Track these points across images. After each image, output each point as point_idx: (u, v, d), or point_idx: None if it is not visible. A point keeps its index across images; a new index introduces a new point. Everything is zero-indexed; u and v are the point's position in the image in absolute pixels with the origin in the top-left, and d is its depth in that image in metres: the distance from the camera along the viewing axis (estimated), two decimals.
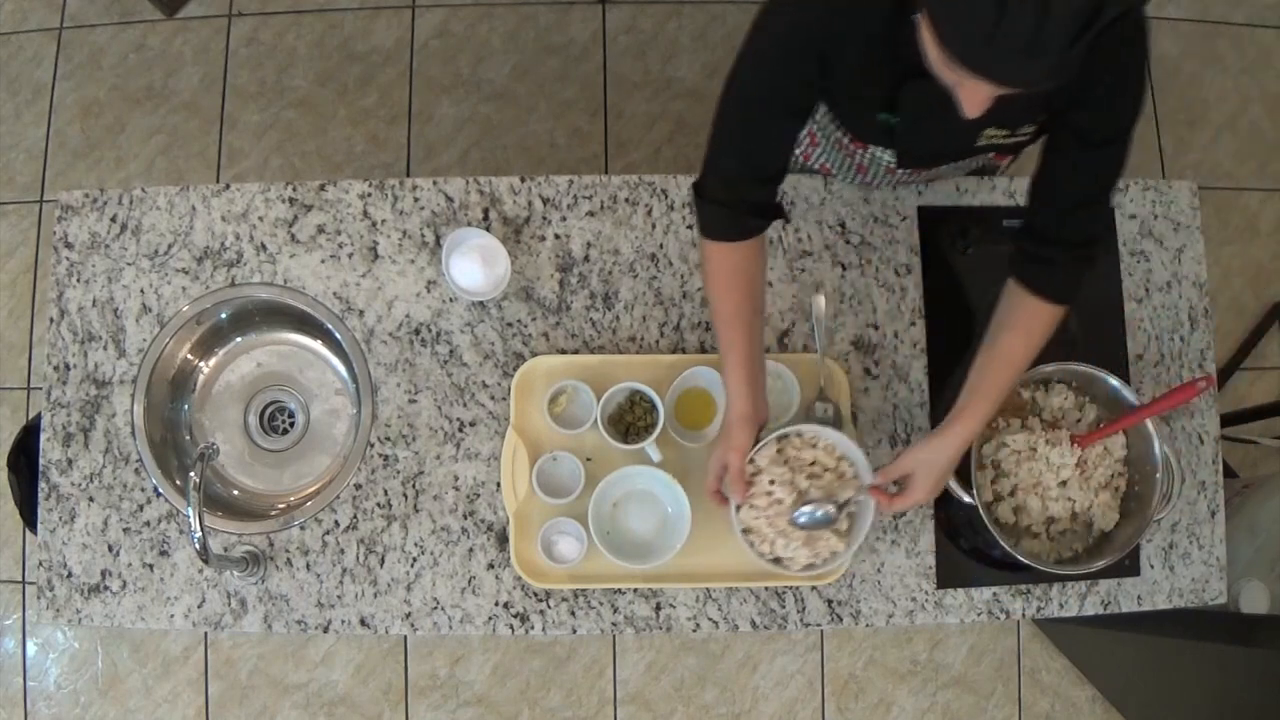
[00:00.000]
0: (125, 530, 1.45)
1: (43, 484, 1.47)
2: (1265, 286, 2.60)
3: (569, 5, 2.63)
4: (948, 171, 1.48)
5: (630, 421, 1.41)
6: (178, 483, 1.48)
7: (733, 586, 1.44)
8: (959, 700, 2.38)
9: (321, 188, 1.53)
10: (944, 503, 1.45)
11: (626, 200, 1.53)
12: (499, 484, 1.45)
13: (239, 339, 1.60)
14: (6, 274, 2.53)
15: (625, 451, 1.40)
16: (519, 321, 1.50)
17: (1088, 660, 2.29)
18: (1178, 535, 1.50)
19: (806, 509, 1.24)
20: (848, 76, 1.12)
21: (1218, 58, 2.69)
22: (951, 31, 0.84)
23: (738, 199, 1.18)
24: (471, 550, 1.44)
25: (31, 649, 2.39)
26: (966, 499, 1.32)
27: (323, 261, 1.51)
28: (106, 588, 1.44)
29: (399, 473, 1.46)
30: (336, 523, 1.45)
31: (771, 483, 1.25)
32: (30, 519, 1.55)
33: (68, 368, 1.49)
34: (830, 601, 1.45)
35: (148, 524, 1.45)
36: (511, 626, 1.43)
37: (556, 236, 1.52)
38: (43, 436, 1.48)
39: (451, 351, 1.49)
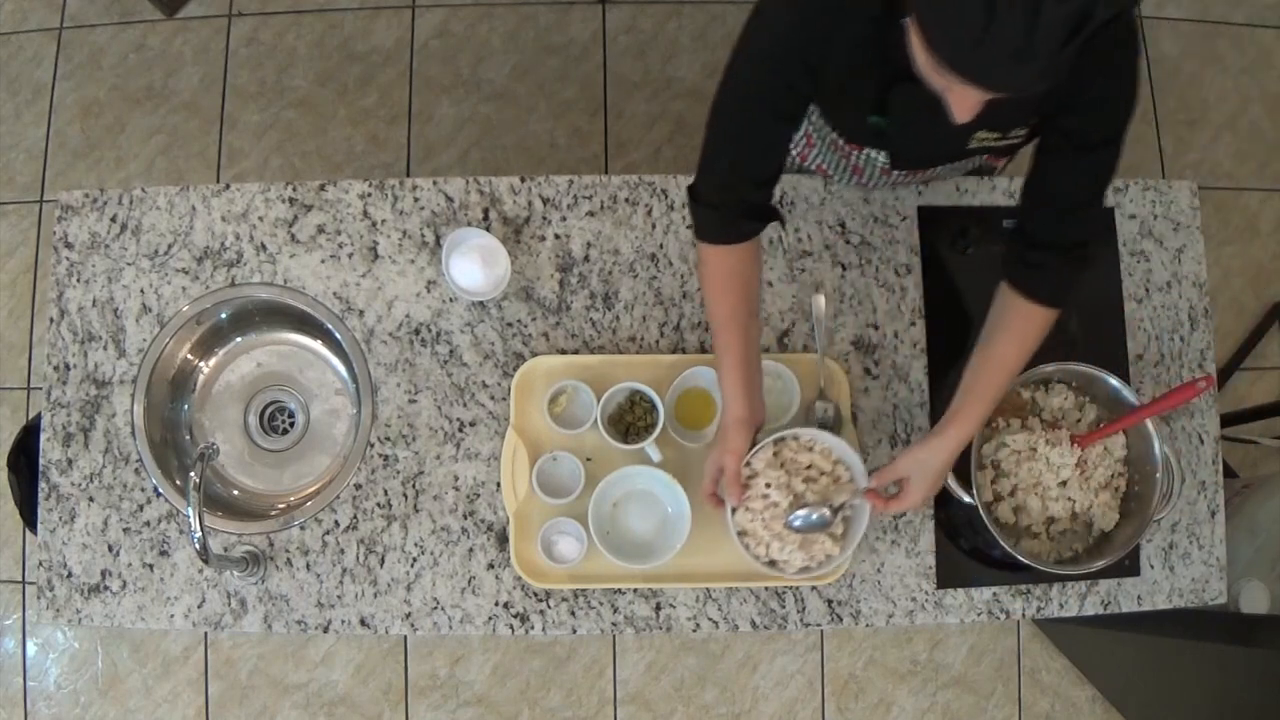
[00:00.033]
0: (125, 530, 1.45)
1: (43, 484, 1.47)
2: (1265, 286, 2.59)
3: (569, 5, 2.63)
4: (944, 172, 1.48)
5: (630, 421, 1.41)
6: (178, 483, 1.48)
7: (733, 586, 1.44)
8: (959, 700, 2.38)
9: (321, 188, 1.53)
10: (944, 503, 1.45)
11: (626, 200, 1.53)
12: (499, 484, 1.45)
13: (239, 339, 1.60)
14: (6, 274, 2.53)
15: (625, 451, 1.40)
16: (519, 321, 1.50)
17: (1088, 660, 2.29)
18: (1178, 535, 1.50)
19: (802, 512, 1.25)
20: (837, 80, 1.12)
21: (1218, 58, 2.69)
22: (940, 36, 0.84)
23: (733, 202, 1.19)
24: (471, 550, 1.44)
25: (31, 649, 2.39)
26: (966, 499, 1.32)
27: (323, 261, 1.51)
28: (106, 588, 1.44)
29: (399, 473, 1.46)
30: (336, 523, 1.45)
31: (768, 486, 1.26)
32: (30, 519, 1.55)
33: (68, 368, 1.49)
34: (830, 601, 1.45)
35: (148, 524, 1.45)
36: (511, 626, 1.43)
37: (556, 236, 1.52)
38: (43, 436, 1.48)
39: (451, 351, 1.49)
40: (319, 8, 2.62)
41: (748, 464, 1.26)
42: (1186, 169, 2.63)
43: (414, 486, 1.46)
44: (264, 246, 1.52)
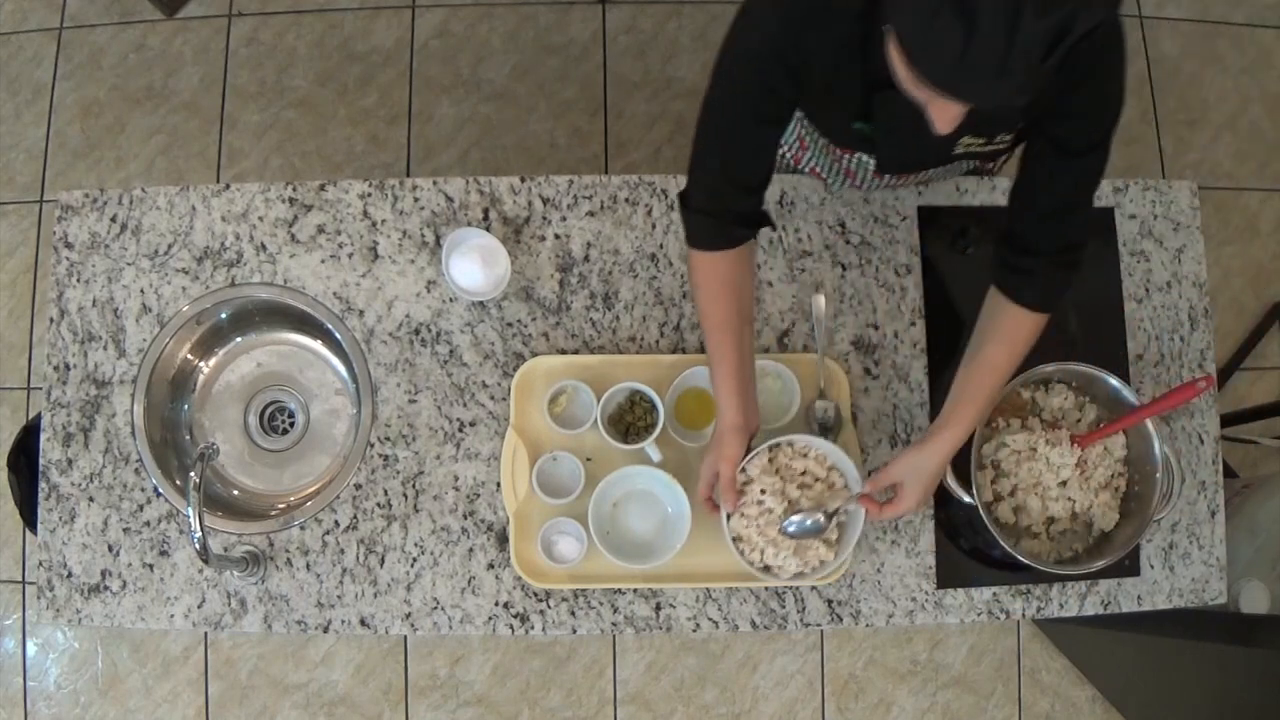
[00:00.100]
0: (125, 530, 1.45)
1: (43, 484, 1.47)
2: (1265, 286, 2.60)
3: (569, 5, 2.63)
4: (938, 174, 1.48)
5: (630, 421, 1.41)
6: (178, 483, 1.48)
7: (733, 586, 1.44)
8: (959, 700, 2.38)
9: (321, 188, 1.53)
10: (944, 503, 1.45)
11: (626, 200, 1.53)
12: (499, 484, 1.45)
13: (239, 339, 1.60)
14: (6, 274, 2.53)
15: (625, 451, 1.40)
16: (519, 321, 1.50)
17: (1088, 660, 2.29)
18: (1178, 535, 1.50)
19: (796, 518, 1.26)
20: (821, 85, 1.12)
21: (1218, 58, 2.69)
22: (920, 53, 0.83)
23: (723, 209, 1.19)
24: (471, 550, 1.44)
25: (31, 649, 2.39)
26: (966, 499, 1.32)
27: (323, 261, 1.51)
28: (106, 588, 1.44)
29: (399, 473, 1.46)
30: (336, 523, 1.45)
31: (763, 492, 1.27)
32: (30, 519, 1.55)
33: (68, 368, 1.49)
34: (830, 601, 1.45)
35: (148, 524, 1.45)
36: (511, 626, 1.43)
37: (556, 236, 1.52)
38: (43, 436, 1.48)
39: (451, 351, 1.49)
40: (319, 8, 2.62)
41: (743, 470, 1.27)
42: (1186, 169, 2.63)
43: (414, 486, 1.46)
44: (264, 246, 1.51)
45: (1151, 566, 1.49)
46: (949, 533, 1.47)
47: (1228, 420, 2.21)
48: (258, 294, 1.51)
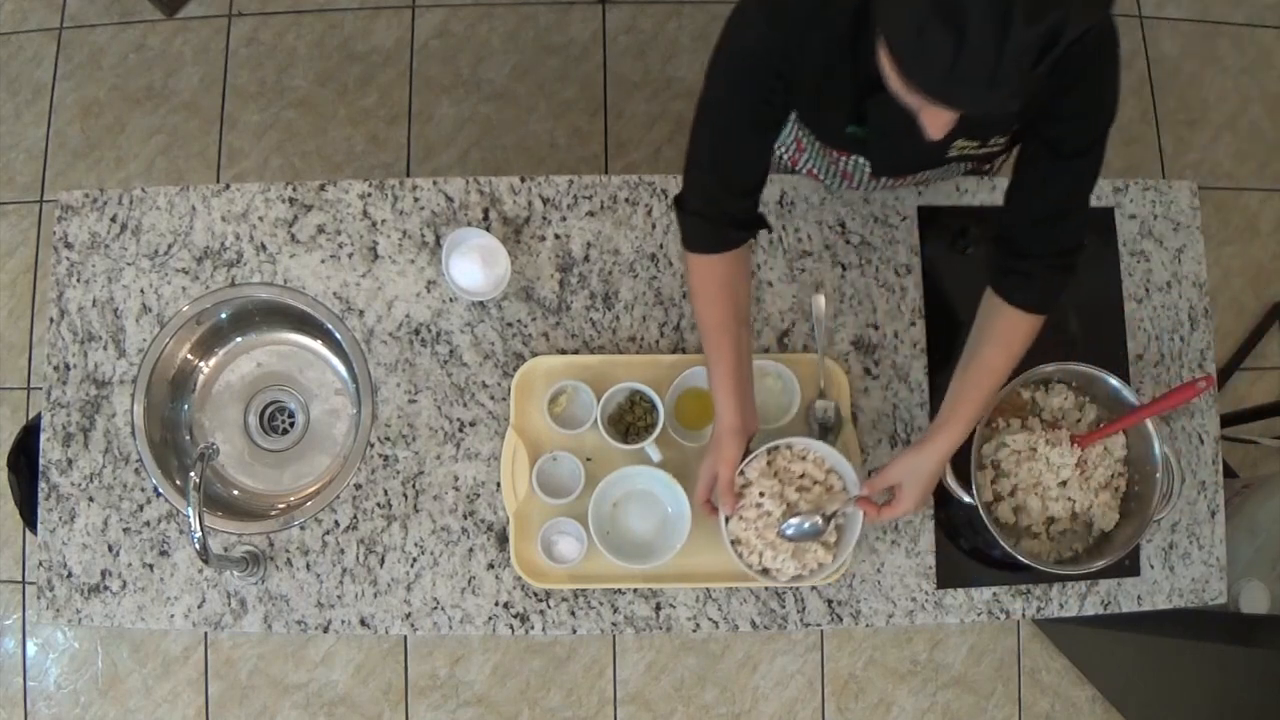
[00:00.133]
0: (125, 530, 1.45)
1: (43, 484, 1.47)
2: (1265, 286, 2.60)
3: (569, 5, 2.63)
4: (935, 175, 1.48)
5: (630, 421, 1.41)
6: (178, 483, 1.48)
7: (733, 586, 1.44)
8: (959, 700, 2.38)
9: (321, 188, 1.53)
10: (944, 503, 1.45)
11: (626, 200, 1.53)
12: (499, 484, 1.45)
13: (239, 339, 1.60)
14: (6, 274, 2.53)
15: (625, 451, 1.40)
16: (519, 321, 1.50)
17: (1088, 660, 2.29)
18: (1178, 535, 1.50)
19: (794, 521, 1.26)
20: (812, 90, 1.12)
21: (1218, 58, 2.69)
22: (911, 63, 0.83)
23: (719, 212, 1.19)
24: (471, 550, 1.44)
25: (31, 649, 2.39)
26: (966, 499, 1.32)
27: (323, 261, 1.51)
28: (106, 588, 1.44)
29: (399, 473, 1.46)
30: (336, 523, 1.45)
31: (761, 495, 1.27)
32: (30, 519, 1.55)
33: (68, 368, 1.49)
34: (830, 601, 1.45)
35: (148, 524, 1.45)
36: (511, 626, 1.43)
37: (556, 236, 1.52)
38: (43, 436, 1.48)
39: (451, 351, 1.49)
40: (319, 8, 2.62)
41: (741, 473, 1.27)
42: (1186, 169, 2.63)
43: (414, 486, 1.46)
44: (264, 246, 1.52)
45: (1151, 566, 1.49)
46: (949, 533, 1.47)
47: (1228, 420, 2.21)
48: (258, 294, 1.51)
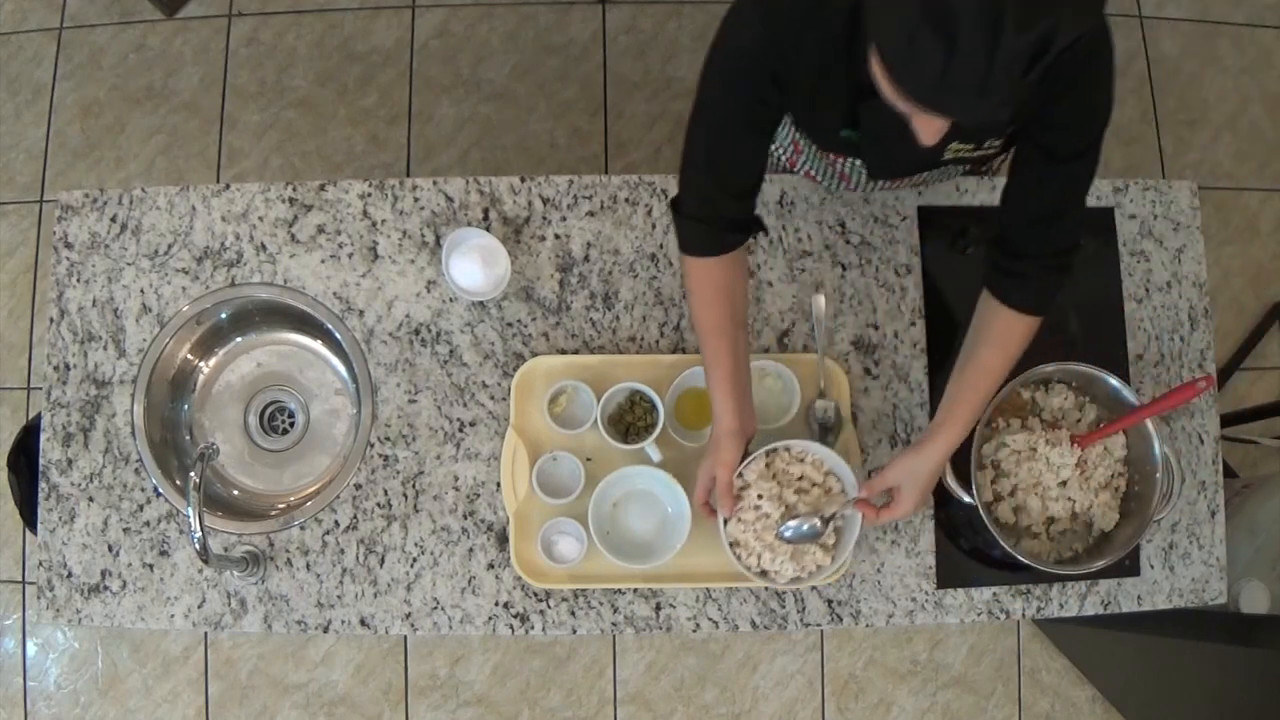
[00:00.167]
0: (125, 530, 1.45)
1: (43, 484, 1.47)
2: (1265, 286, 2.60)
3: (569, 5, 2.63)
4: (933, 177, 1.48)
5: (630, 421, 1.41)
6: (178, 483, 1.48)
7: (732, 587, 1.44)
8: (959, 700, 2.38)
9: (321, 188, 1.53)
10: (944, 503, 1.45)
11: (626, 200, 1.53)
12: (499, 484, 1.45)
13: (239, 339, 1.60)
14: (6, 274, 2.53)
15: (625, 451, 1.40)
16: (519, 321, 1.50)
17: (1088, 660, 2.29)
18: (1178, 535, 1.50)
19: (793, 523, 1.26)
20: (806, 94, 1.12)
21: (1218, 58, 2.69)
22: (902, 71, 0.83)
23: (714, 215, 1.19)
24: (471, 550, 1.44)
25: (31, 649, 2.39)
26: (966, 499, 1.32)
27: (323, 261, 1.51)
28: (106, 588, 1.44)
29: (399, 473, 1.46)
30: (336, 523, 1.45)
31: (759, 497, 1.27)
32: (30, 519, 1.55)
33: (68, 368, 1.49)
34: (830, 601, 1.45)
35: (148, 524, 1.45)
36: (511, 626, 1.43)
37: (556, 236, 1.52)
38: (43, 436, 1.48)
39: (451, 351, 1.49)
40: (319, 8, 2.62)
41: (739, 475, 1.27)
42: (1186, 169, 2.63)
43: (414, 486, 1.46)
44: (264, 246, 1.52)
45: (1151, 566, 1.49)
46: (949, 533, 1.47)
47: (1228, 420, 2.21)
48: (258, 294, 1.51)
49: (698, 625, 1.44)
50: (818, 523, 1.26)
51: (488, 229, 1.51)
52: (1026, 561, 1.31)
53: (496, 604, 1.44)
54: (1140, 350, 1.53)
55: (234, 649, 2.36)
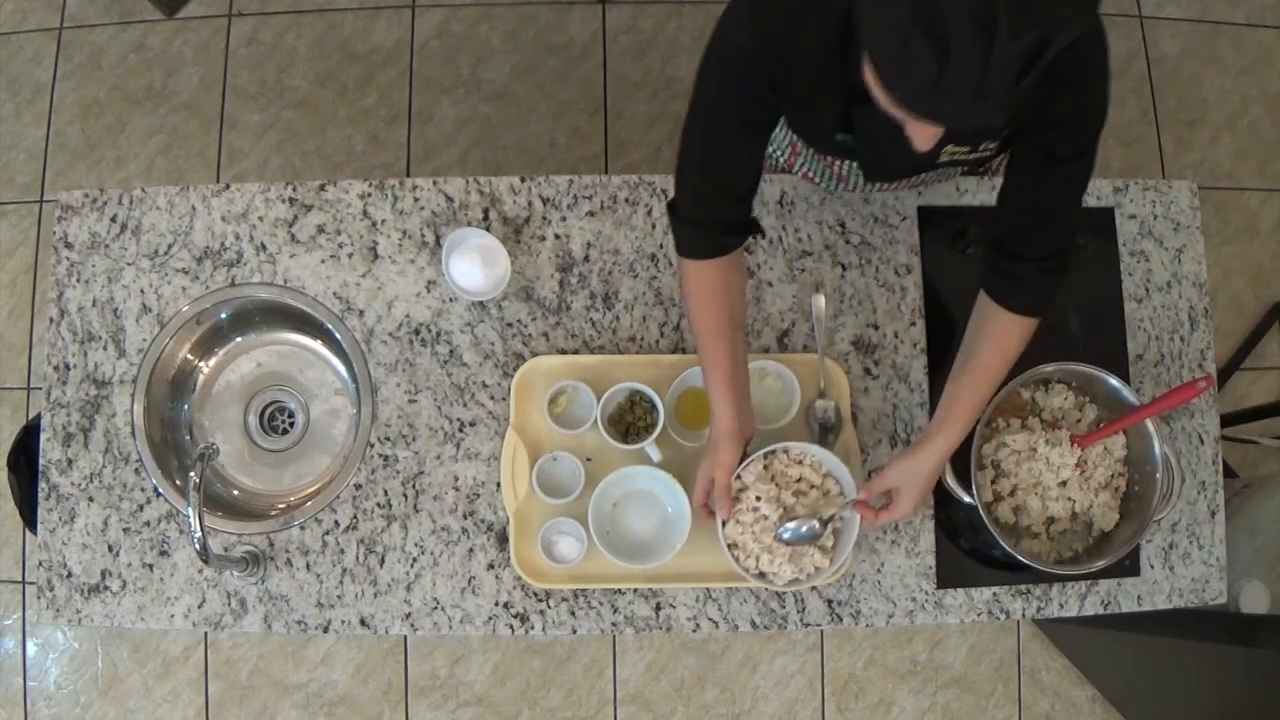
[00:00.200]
0: (125, 530, 1.45)
1: (43, 484, 1.47)
2: (1265, 286, 2.60)
3: (569, 5, 2.63)
4: (931, 178, 1.48)
5: (630, 421, 1.41)
6: (178, 483, 1.48)
7: (733, 587, 1.44)
8: (959, 700, 2.38)
9: (321, 188, 1.53)
10: (944, 503, 1.45)
11: (626, 200, 1.53)
12: (499, 484, 1.45)
13: (239, 339, 1.60)
14: (6, 274, 2.53)
15: (625, 451, 1.40)
16: (519, 321, 1.50)
17: (1088, 660, 2.29)
18: (1178, 535, 1.50)
19: (791, 525, 1.26)
20: (801, 98, 1.12)
21: (1218, 58, 2.69)
22: (895, 80, 0.83)
23: (711, 218, 1.19)
24: (471, 550, 1.44)
25: (31, 649, 2.39)
26: (966, 499, 1.32)
27: (323, 261, 1.51)
28: (106, 588, 1.44)
29: (399, 473, 1.46)
30: (336, 523, 1.45)
31: (758, 499, 1.27)
32: (30, 519, 1.55)
33: (68, 368, 1.49)
34: (830, 601, 1.45)
35: (148, 524, 1.45)
36: (511, 626, 1.43)
37: (556, 236, 1.52)
38: (43, 436, 1.48)
39: (451, 351, 1.49)
40: (319, 8, 2.62)
41: (738, 477, 1.27)
42: (1186, 169, 2.63)
43: (414, 486, 1.46)
44: (264, 246, 1.52)
45: (1151, 566, 1.49)
46: (949, 533, 1.47)
47: (1228, 420, 2.21)
48: (258, 294, 1.51)
49: (698, 625, 1.44)
50: (816, 525, 1.26)
51: (488, 229, 1.51)
52: (1026, 561, 1.31)
53: (496, 604, 1.44)
54: (1140, 350, 1.53)
55: (234, 649, 2.36)
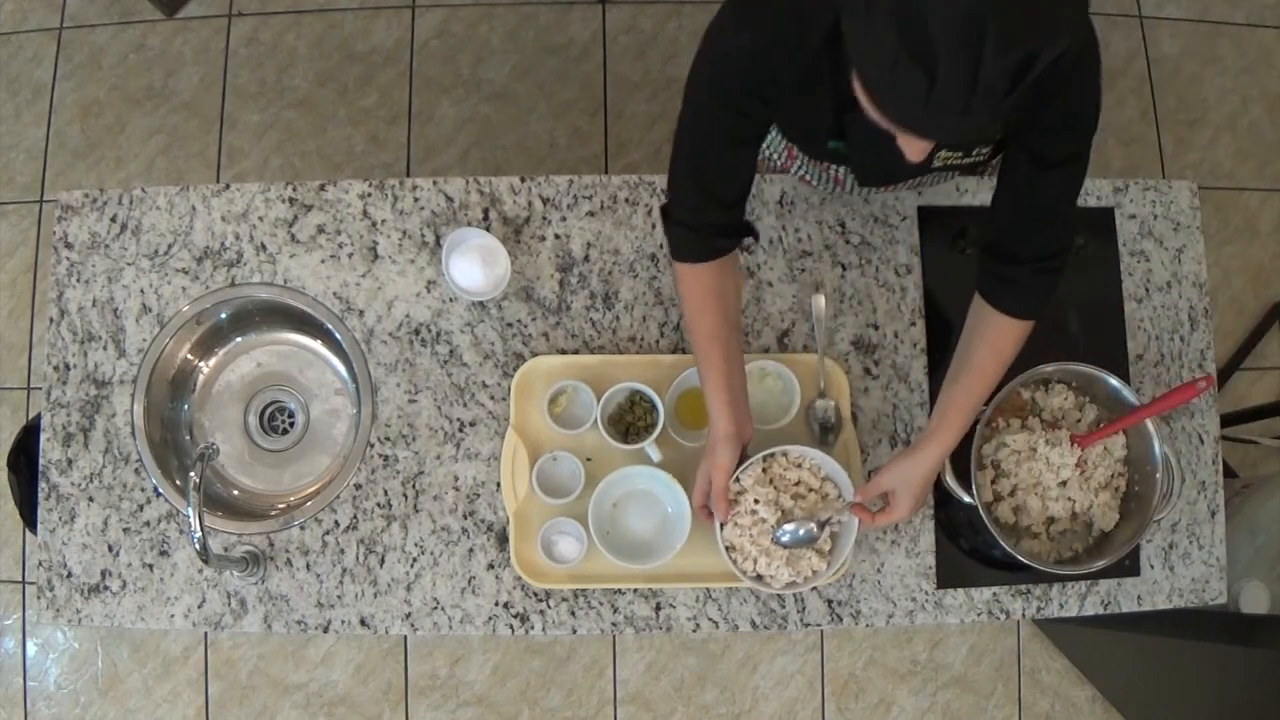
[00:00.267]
0: (125, 530, 1.45)
1: (43, 484, 1.47)
2: (1265, 286, 2.60)
3: (569, 5, 2.63)
4: (927, 181, 1.48)
5: (630, 421, 1.41)
6: (178, 483, 1.48)
7: (732, 587, 1.44)
8: (959, 700, 2.38)
9: (321, 188, 1.53)
10: (944, 503, 1.45)
11: (626, 200, 1.53)
12: (499, 484, 1.45)
13: (239, 339, 1.60)
14: (6, 274, 2.53)
15: (625, 451, 1.40)
16: (519, 321, 1.50)
17: (1088, 660, 2.29)
18: (1178, 535, 1.50)
19: (789, 527, 1.26)
20: (791, 106, 1.12)
21: (1218, 58, 2.69)
22: (884, 98, 0.83)
23: (703, 223, 1.19)
24: (471, 550, 1.44)
25: (31, 649, 2.39)
26: (966, 499, 1.32)
27: (323, 261, 1.51)
28: (106, 588, 1.44)
29: (399, 473, 1.46)
30: (336, 523, 1.45)
31: (756, 502, 1.27)
32: (30, 519, 1.55)
33: (68, 368, 1.49)
34: (830, 601, 1.45)
35: (148, 524, 1.45)
36: (511, 626, 1.43)
37: (556, 236, 1.52)
38: (43, 436, 1.48)
39: (451, 351, 1.49)
40: (319, 8, 2.62)
41: (736, 480, 1.27)
42: (1186, 169, 2.63)
43: (414, 486, 1.46)
44: (264, 246, 1.52)
45: (1151, 566, 1.49)
46: (949, 533, 1.47)
47: (1228, 420, 2.21)
48: (258, 294, 1.51)
49: (698, 625, 1.44)
50: (813, 528, 1.26)
51: (488, 229, 1.51)
52: (1026, 561, 1.31)
53: (496, 604, 1.44)
54: (1140, 350, 1.53)
55: (234, 649, 2.36)
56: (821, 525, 1.26)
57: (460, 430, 1.47)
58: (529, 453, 1.43)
